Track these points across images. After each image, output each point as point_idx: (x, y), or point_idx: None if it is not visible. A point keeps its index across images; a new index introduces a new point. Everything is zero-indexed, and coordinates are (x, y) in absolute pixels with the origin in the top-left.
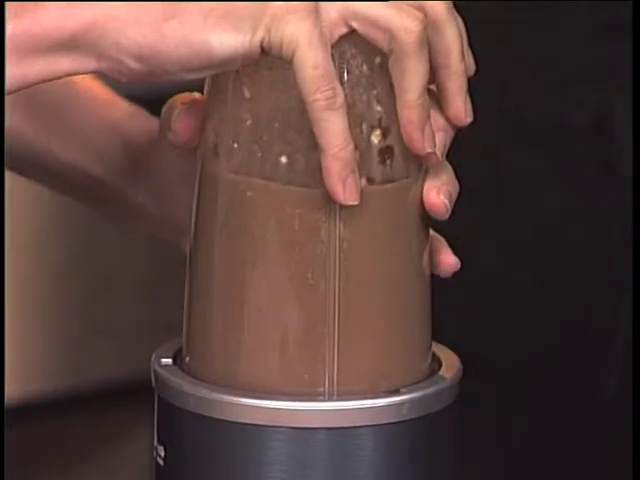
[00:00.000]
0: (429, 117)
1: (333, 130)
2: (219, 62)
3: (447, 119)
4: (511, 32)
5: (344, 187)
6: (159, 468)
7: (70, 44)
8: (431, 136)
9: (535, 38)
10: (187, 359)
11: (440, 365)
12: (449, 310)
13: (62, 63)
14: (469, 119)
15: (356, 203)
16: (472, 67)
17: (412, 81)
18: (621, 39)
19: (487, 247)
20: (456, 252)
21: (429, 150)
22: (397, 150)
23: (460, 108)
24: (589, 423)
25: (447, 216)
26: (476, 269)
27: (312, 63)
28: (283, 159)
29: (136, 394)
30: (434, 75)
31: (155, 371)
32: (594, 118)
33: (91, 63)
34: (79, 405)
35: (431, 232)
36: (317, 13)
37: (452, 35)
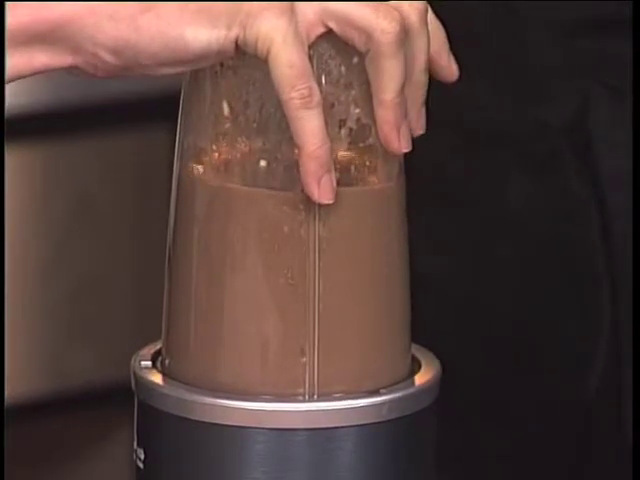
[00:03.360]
0: (406, 117)
1: (309, 129)
2: (193, 57)
3: None
4: (484, 28)
5: (319, 186)
6: (139, 471)
7: (46, 38)
8: (407, 136)
9: (509, 33)
10: (167, 361)
11: (420, 366)
12: (428, 311)
13: (39, 57)
14: (420, 131)
15: (331, 202)
16: (455, 72)
17: (389, 81)
18: (600, 36)
19: (461, 251)
20: (431, 253)
21: (405, 150)
22: (376, 150)
23: (412, 119)
24: (569, 424)
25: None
26: (454, 269)
27: (287, 62)
28: (262, 162)
29: (117, 396)
30: None
31: (135, 373)
32: (569, 117)
33: (67, 57)
34: (60, 407)
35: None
36: (292, 12)
37: (420, 47)
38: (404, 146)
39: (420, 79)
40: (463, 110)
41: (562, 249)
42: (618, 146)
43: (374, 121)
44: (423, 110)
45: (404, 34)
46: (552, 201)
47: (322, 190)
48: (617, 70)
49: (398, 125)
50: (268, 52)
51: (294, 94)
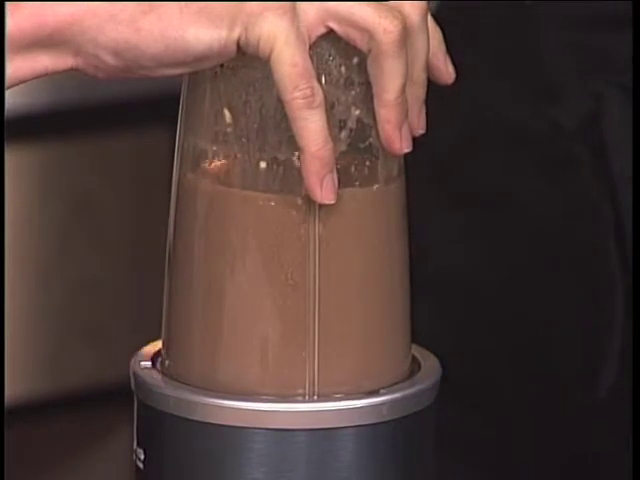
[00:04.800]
0: (407, 117)
1: (312, 129)
2: (194, 58)
3: None
4: (496, 28)
5: (321, 186)
6: (139, 471)
7: (48, 42)
8: (408, 136)
9: (521, 33)
10: (166, 362)
11: (419, 366)
12: (429, 311)
13: (40, 61)
14: (421, 131)
15: (332, 202)
16: (452, 74)
17: (391, 81)
18: (610, 35)
19: (470, 249)
20: (438, 255)
21: (406, 150)
22: (376, 150)
23: (413, 118)
24: (576, 425)
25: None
26: (460, 270)
27: (290, 61)
28: (262, 163)
29: (117, 397)
30: None
31: (134, 374)
32: (583, 117)
33: (69, 60)
34: (60, 407)
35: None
36: (294, 12)
37: (421, 46)
38: (405, 146)
39: (420, 78)
40: (476, 111)
41: (575, 249)
42: (631, 146)
43: (374, 121)
44: (423, 109)
45: (406, 33)
46: (566, 201)
47: (324, 190)
48: (630, 69)
49: (400, 125)
50: (270, 52)
51: (297, 94)
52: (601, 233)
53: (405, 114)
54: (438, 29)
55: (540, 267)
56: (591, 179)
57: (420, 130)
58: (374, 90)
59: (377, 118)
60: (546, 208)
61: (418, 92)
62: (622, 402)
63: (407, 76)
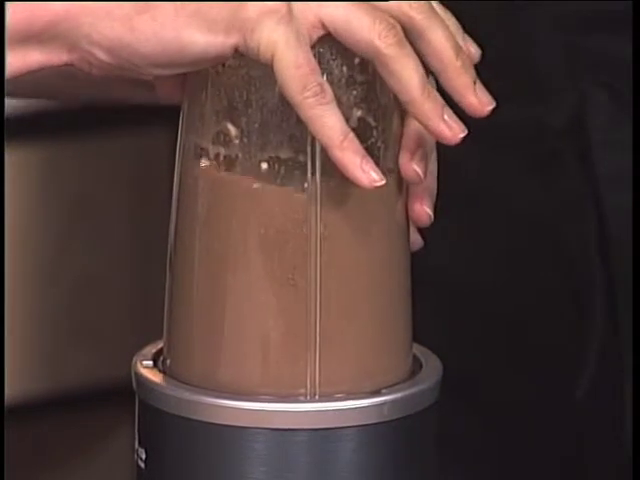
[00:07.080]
0: (443, 104)
1: (331, 124)
2: (189, 61)
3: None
4: (492, 29)
5: (363, 172)
6: (140, 471)
7: (42, 36)
8: (456, 120)
9: (516, 32)
10: (168, 361)
11: (421, 366)
12: (430, 311)
13: (34, 55)
14: (488, 107)
15: (383, 183)
16: (477, 53)
17: (406, 80)
18: (598, 35)
19: (461, 249)
20: (429, 254)
21: (463, 134)
22: (378, 149)
23: (474, 101)
24: (572, 423)
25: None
26: (452, 272)
27: (294, 63)
28: (263, 163)
29: (118, 396)
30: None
31: (136, 373)
32: (568, 117)
33: (62, 55)
34: (60, 407)
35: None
36: (291, 14)
37: (438, 38)
38: (459, 130)
39: (455, 66)
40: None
41: (561, 249)
42: (616, 146)
43: (375, 121)
44: (482, 87)
45: (402, 34)
46: (551, 201)
47: (368, 174)
48: (616, 70)
49: (440, 114)
50: (272, 56)
51: (307, 93)
52: (585, 234)
53: (440, 102)
54: (450, 17)
55: (526, 267)
56: (576, 179)
57: (487, 108)
58: (396, 95)
59: (416, 120)
60: (531, 208)
61: (463, 79)
62: (609, 400)
63: (422, 71)
